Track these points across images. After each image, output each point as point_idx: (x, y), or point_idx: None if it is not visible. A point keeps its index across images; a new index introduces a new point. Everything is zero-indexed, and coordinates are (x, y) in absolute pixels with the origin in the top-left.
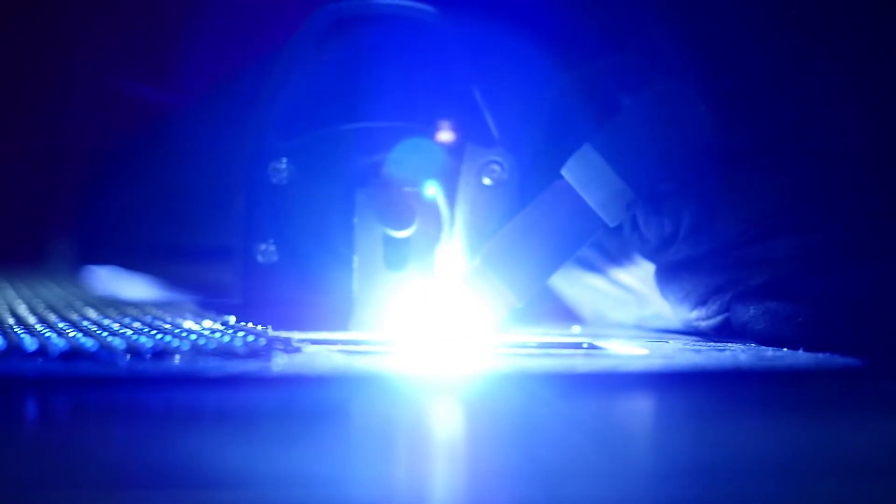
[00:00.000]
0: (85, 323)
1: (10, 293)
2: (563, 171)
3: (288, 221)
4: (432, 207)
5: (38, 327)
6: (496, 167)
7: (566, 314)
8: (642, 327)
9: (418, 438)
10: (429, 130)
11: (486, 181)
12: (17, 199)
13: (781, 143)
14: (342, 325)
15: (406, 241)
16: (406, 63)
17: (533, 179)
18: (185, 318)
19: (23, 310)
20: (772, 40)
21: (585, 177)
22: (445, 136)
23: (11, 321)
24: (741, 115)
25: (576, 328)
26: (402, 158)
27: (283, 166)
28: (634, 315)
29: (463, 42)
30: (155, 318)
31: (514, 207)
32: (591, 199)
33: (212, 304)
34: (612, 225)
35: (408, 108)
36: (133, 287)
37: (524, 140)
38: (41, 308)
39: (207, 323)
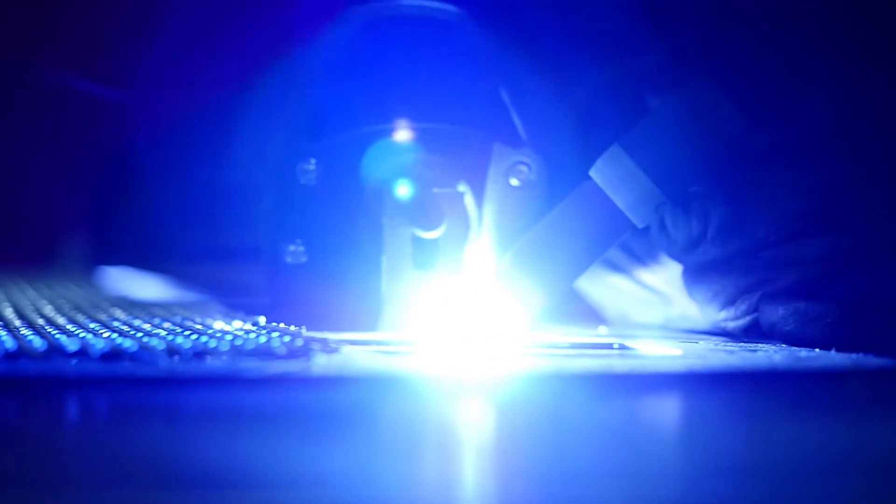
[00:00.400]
0: (115, 323)
1: (32, 293)
2: (592, 173)
3: (316, 222)
4: (460, 208)
5: (71, 328)
6: (524, 168)
7: (590, 315)
8: (668, 328)
9: (466, 441)
10: (456, 131)
11: (514, 182)
12: (29, 198)
13: (811, 143)
14: (371, 326)
15: (434, 241)
16: (434, 64)
17: (560, 180)
18: (214, 319)
19: (49, 310)
20: (801, 40)
21: (614, 178)
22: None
23: (41, 322)
24: (770, 116)
25: (602, 329)
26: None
27: (312, 167)
28: (660, 315)
29: (490, 43)
30: (184, 318)
31: (542, 208)
32: (619, 201)
33: (234, 304)
34: (640, 226)
35: (435, 109)
36: (149, 287)
37: (552, 141)
38: (67, 309)
39: (238, 323)
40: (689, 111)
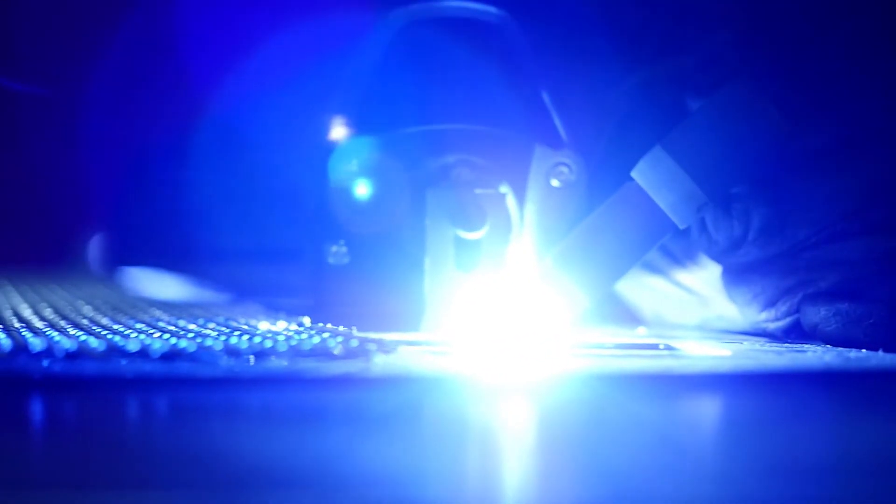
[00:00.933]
0: (160, 323)
1: (64, 293)
2: (634, 174)
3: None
4: (503, 209)
5: (120, 328)
6: (564, 169)
7: (626, 316)
8: (705, 329)
9: (532, 443)
10: (499, 132)
11: (555, 183)
12: (47, 198)
13: (853, 144)
14: (414, 326)
15: (477, 242)
16: (475, 65)
17: (601, 181)
18: (258, 319)
19: (88, 311)
20: (843, 41)
21: (657, 179)
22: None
23: (86, 322)
24: (812, 117)
25: (641, 329)
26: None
27: (354, 168)
28: (696, 316)
29: (531, 44)
30: (228, 318)
31: (582, 209)
32: (662, 202)
33: (269, 304)
34: (682, 227)
35: (477, 111)
36: (174, 287)
37: (592, 142)
38: (106, 309)
39: (283, 324)
40: (731, 112)
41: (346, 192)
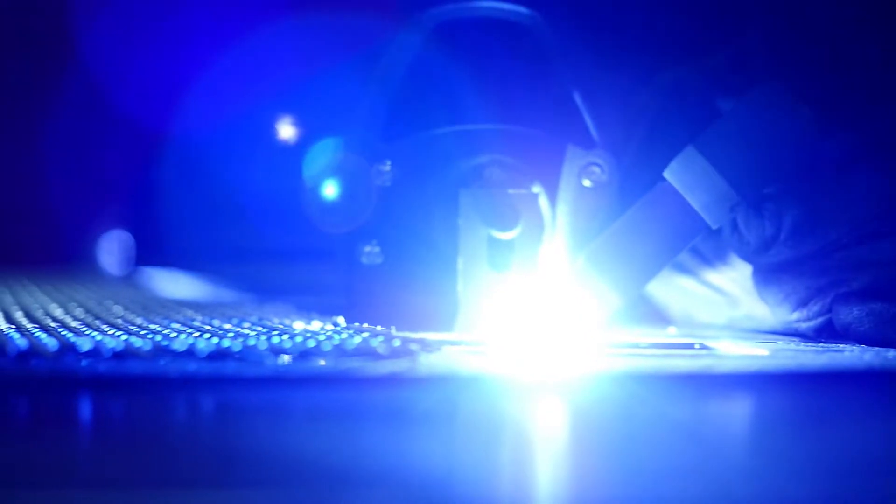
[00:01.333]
0: (196, 323)
1: (89, 293)
2: (666, 174)
3: (392, 223)
4: (535, 209)
5: (157, 328)
6: (596, 169)
7: (654, 315)
8: (734, 328)
9: (575, 442)
10: (531, 132)
11: (587, 183)
12: (61, 197)
13: (885, 144)
14: (447, 326)
15: (510, 242)
16: (506, 65)
17: (633, 182)
18: (291, 319)
19: (119, 311)
20: (874, 40)
21: (689, 179)
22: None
23: (120, 322)
24: (845, 117)
25: (671, 329)
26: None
27: (387, 169)
28: (724, 316)
29: (562, 44)
30: (261, 318)
31: (614, 209)
32: (695, 202)
33: (295, 303)
34: (714, 227)
35: (509, 111)
36: (192, 287)
37: (624, 142)
38: (138, 309)
39: (317, 324)
40: (763, 112)
41: (385, 192)
